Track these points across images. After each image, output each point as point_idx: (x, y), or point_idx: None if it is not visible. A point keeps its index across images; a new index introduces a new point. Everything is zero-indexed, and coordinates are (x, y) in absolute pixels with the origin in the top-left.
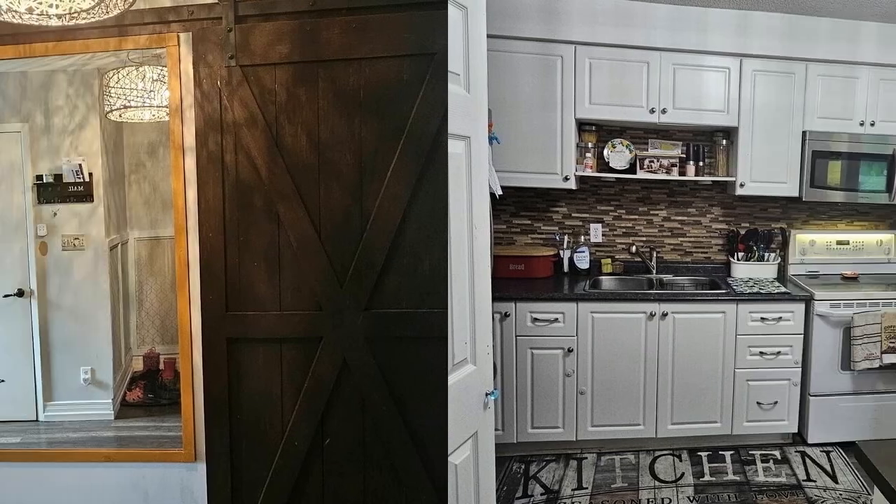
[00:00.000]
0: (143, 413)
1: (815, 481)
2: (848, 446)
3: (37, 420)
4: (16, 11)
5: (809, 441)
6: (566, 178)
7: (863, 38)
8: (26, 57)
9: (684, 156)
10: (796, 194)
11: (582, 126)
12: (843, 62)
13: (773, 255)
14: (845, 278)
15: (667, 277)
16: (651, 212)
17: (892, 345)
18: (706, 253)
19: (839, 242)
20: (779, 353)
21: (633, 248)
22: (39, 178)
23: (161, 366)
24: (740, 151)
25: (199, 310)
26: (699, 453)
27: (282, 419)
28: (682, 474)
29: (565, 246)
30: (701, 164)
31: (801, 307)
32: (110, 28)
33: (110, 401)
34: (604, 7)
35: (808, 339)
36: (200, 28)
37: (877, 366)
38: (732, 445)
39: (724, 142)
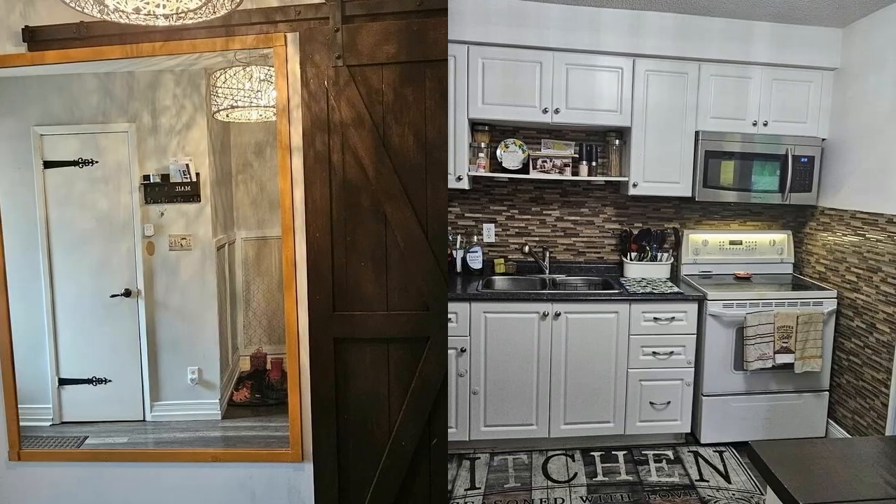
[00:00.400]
0: (250, 413)
1: (707, 481)
2: (741, 446)
3: (144, 420)
4: (123, 11)
5: (702, 441)
6: (459, 179)
7: (756, 37)
8: (133, 57)
9: (577, 156)
10: (689, 194)
11: (475, 126)
12: (736, 62)
13: (665, 255)
14: (738, 278)
15: (560, 277)
16: (544, 212)
17: (784, 345)
18: (599, 253)
19: (732, 242)
20: (672, 353)
21: (526, 249)
22: (146, 177)
23: (268, 366)
24: (633, 151)
25: (306, 310)
26: (592, 453)
27: (389, 419)
28: (575, 474)
29: (458, 246)
30: (594, 164)
31: (693, 307)
32: (217, 28)
33: (217, 401)
34: (497, 7)
35: (700, 339)
36: (307, 28)
37: (770, 366)
38: (625, 445)
39: (617, 142)
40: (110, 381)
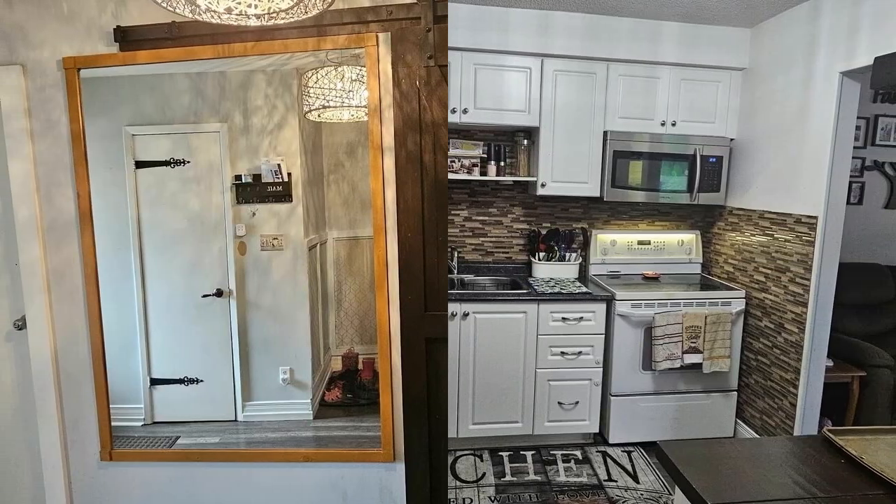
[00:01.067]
0: (341, 413)
1: (616, 481)
2: (649, 446)
3: (236, 420)
4: (215, 11)
5: (611, 441)
6: None
7: (664, 37)
8: (225, 57)
9: (486, 156)
10: (597, 194)
11: None
12: (644, 62)
13: (574, 255)
14: (647, 278)
15: (468, 277)
16: (452, 212)
17: (693, 345)
18: (507, 253)
19: (640, 242)
20: (580, 353)
21: None
22: (238, 178)
23: (360, 366)
24: (541, 151)
25: (397, 310)
26: (500, 453)
27: None
28: (484, 474)
29: None
30: (502, 164)
31: (602, 307)
32: (309, 28)
33: (309, 401)
34: None
35: (609, 339)
36: (399, 28)
37: (678, 366)
38: (534, 445)
39: (526, 142)
40: (202, 381)
